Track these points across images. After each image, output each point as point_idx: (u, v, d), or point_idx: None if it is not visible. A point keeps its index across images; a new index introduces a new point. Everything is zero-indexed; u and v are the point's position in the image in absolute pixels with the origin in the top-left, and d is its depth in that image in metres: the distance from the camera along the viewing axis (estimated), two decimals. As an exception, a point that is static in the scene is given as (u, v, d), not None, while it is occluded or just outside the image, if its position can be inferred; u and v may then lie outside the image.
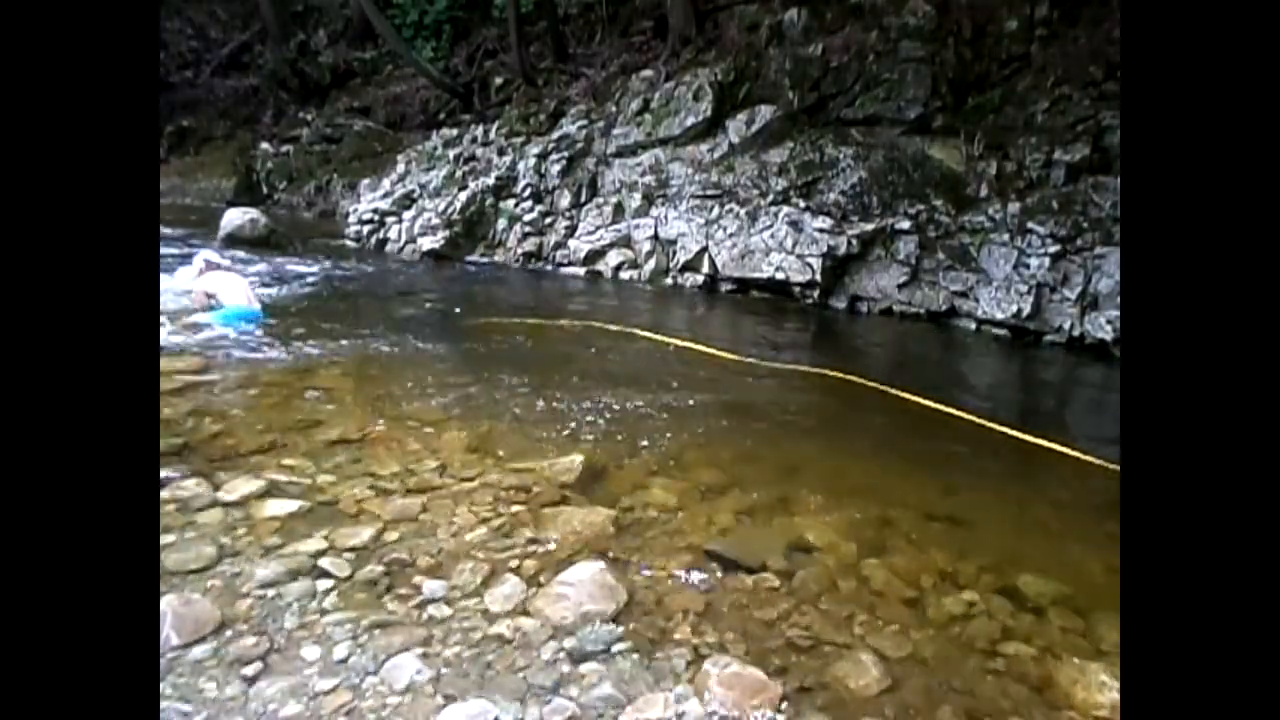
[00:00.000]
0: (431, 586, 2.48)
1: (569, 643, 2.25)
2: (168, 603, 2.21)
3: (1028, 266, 7.21)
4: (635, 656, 2.22)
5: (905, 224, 7.81)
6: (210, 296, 5.69)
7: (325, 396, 4.21)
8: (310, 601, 2.36)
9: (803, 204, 8.31)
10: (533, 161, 9.89)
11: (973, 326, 7.46)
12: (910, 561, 2.88)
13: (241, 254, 8.43)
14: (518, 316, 6.74)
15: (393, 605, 2.38)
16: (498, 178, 9.86)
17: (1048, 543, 3.24)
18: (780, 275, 8.03)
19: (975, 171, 8.13)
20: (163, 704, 1.89)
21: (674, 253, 8.78)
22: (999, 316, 7.24)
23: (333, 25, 17.32)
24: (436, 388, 4.49)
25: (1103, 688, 2.22)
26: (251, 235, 9.47)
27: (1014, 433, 4.38)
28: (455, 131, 11.89)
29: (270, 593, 2.38)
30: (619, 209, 9.35)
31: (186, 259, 7.91)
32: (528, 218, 9.56)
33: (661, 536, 2.94)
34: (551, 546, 2.79)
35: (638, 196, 9.24)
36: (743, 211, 8.49)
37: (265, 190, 14.14)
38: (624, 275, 9.01)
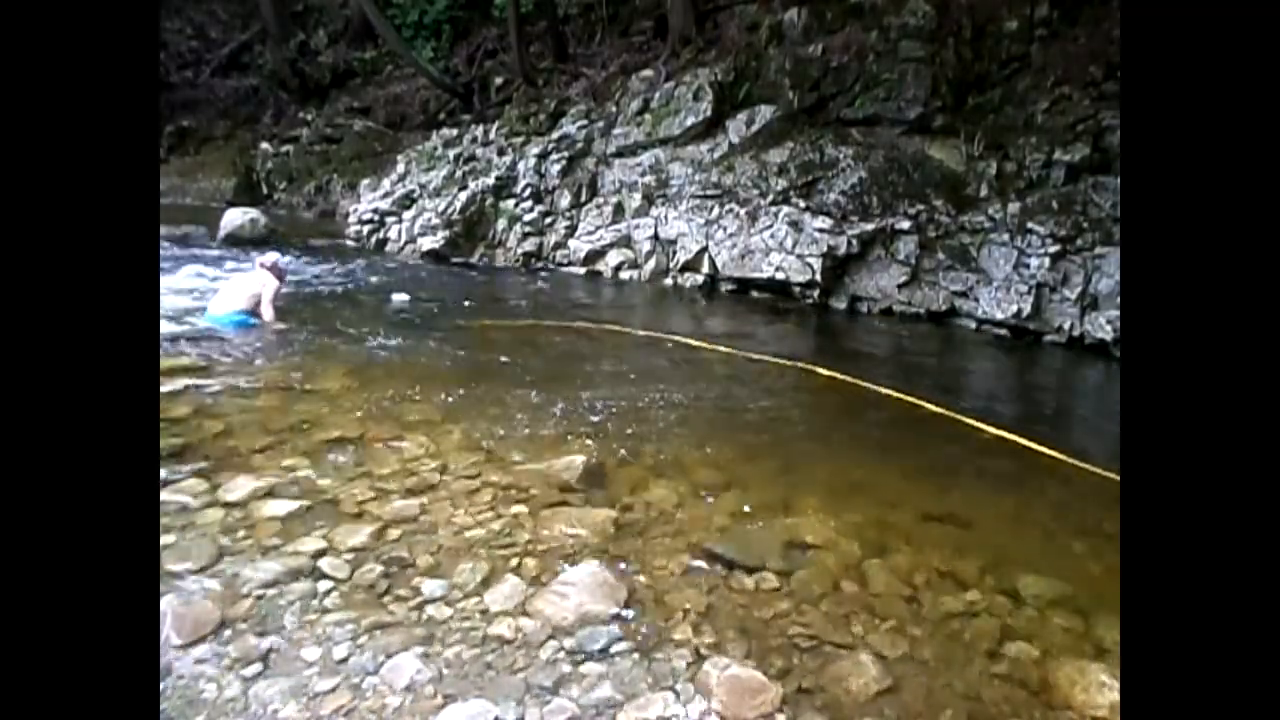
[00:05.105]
0: (431, 586, 2.48)
1: (569, 643, 2.25)
2: (168, 603, 2.21)
3: (1028, 266, 7.21)
4: (635, 656, 2.22)
5: (905, 224, 7.81)
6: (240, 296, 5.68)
7: (325, 397, 4.21)
8: (310, 602, 2.36)
9: (803, 204, 8.30)
10: (533, 161, 9.89)
11: (973, 326, 7.46)
12: (910, 562, 2.88)
13: (240, 254, 8.44)
14: (517, 317, 6.74)
15: (392, 605, 2.38)
16: (498, 178, 9.86)
17: (1047, 543, 3.24)
18: (780, 275, 8.03)
19: (975, 171, 8.13)
20: (162, 704, 1.89)
21: (674, 253, 8.78)
22: (999, 316, 7.24)
23: (333, 25, 17.31)
24: (436, 388, 4.48)
25: (1102, 688, 2.21)
26: (251, 235, 9.48)
27: (1013, 436, 4.37)
28: (455, 131, 11.89)
29: (270, 593, 2.38)
30: (619, 209, 9.35)
31: (185, 260, 7.95)
32: (528, 218, 9.56)
33: (661, 536, 2.94)
34: (551, 546, 2.79)
35: (638, 196, 9.24)
36: (743, 211, 8.49)
37: (265, 190, 14.14)
38: (624, 275, 9.02)
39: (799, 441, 4.25)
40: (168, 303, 5.81)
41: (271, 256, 6.08)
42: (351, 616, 2.30)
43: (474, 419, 4.00)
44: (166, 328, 5.17)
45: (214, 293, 5.96)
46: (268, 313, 5.66)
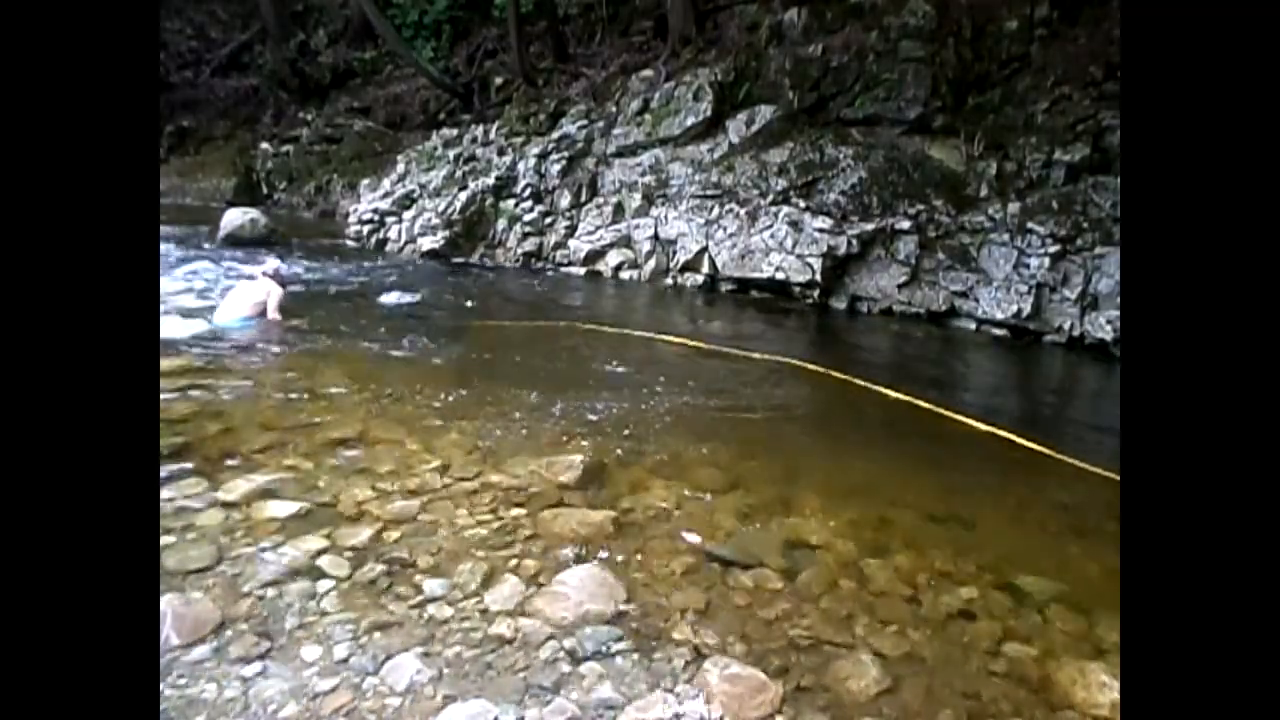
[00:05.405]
0: (431, 586, 2.48)
1: (569, 643, 2.25)
2: (168, 603, 2.20)
3: (1028, 266, 7.21)
4: (635, 656, 2.22)
5: (905, 224, 7.81)
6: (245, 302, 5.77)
7: (325, 397, 4.21)
8: (310, 601, 2.36)
9: (803, 204, 8.30)
10: (533, 161, 9.89)
11: (973, 326, 7.46)
12: (910, 561, 2.88)
13: (240, 254, 8.44)
14: (517, 317, 6.74)
15: (393, 605, 2.38)
16: (498, 178, 9.86)
17: (1047, 543, 3.24)
18: (780, 275, 8.03)
19: (975, 171, 8.13)
20: (162, 704, 1.89)
21: (674, 253, 8.78)
22: (999, 316, 7.24)
23: (333, 25, 17.32)
24: (436, 388, 4.48)
25: (1103, 688, 2.22)
26: (251, 235, 9.48)
27: (1013, 436, 4.37)
28: (455, 131, 11.89)
29: (270, 593, 2.38)
30: (619, 209, 9.35)
31: (185, 260, 7.96)
32: (528, 218, 9.56)
33: (661, 537, 2.94)
34: (551, 546, 2.79)
35: (638, 196, 9.24)
36: (743, 211, 8.49)
37: (265, 190, 14.14)
38: (624, 275, 9.02)
39: (799, 441, 4.25)
40: (168, 303, 5.82)
41: (272, 264, 6.18)
42: (351, 616, 2.30)
43: (474, 419, 4.00)
44: (167, 328, 5.16)
45: (213, 292, 6.00)
46: (274, 317, 5.71)
